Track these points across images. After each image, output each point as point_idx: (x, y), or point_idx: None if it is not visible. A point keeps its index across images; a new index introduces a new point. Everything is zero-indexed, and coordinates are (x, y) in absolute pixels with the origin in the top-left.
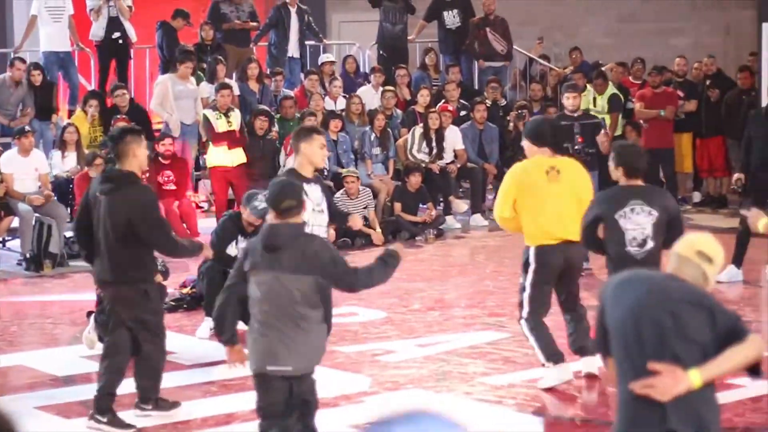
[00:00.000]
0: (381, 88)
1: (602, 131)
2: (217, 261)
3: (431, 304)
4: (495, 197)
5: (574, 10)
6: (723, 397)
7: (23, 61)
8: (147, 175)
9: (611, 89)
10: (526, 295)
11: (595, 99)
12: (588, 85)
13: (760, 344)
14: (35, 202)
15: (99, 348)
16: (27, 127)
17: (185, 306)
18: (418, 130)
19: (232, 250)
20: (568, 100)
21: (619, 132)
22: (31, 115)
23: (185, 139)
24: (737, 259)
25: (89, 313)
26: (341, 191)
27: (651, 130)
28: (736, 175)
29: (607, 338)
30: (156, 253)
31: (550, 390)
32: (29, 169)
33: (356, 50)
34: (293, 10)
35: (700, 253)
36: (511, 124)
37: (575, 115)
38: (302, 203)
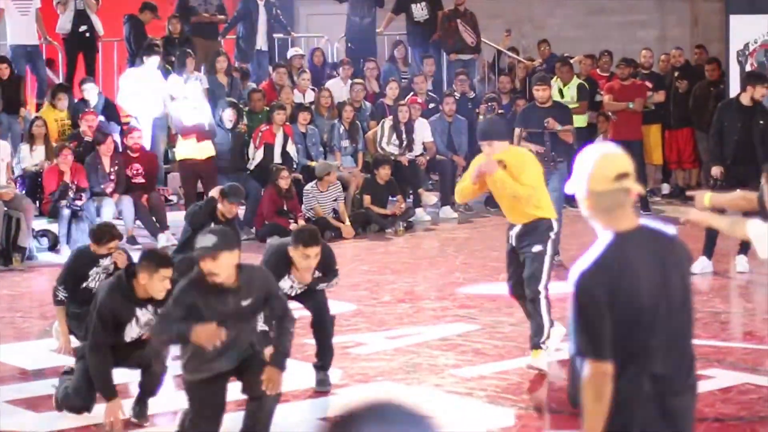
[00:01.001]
0: (350, 81)
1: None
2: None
3: (401, 297)
4: None
5: (542, 3)
6: None
7: None
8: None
9: (576, 80)
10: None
11: (561, 90)
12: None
13: None
14: (4, 197)
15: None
16: None
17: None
18: (388, 122)
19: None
20: (538, 92)
21: (585, 123)
22: None
23: (154, 132)
24: (708, 251)
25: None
26: (312, 183)
27: (619, 123)
28: (715, 169)
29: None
30: None
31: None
32: None
33: (324, 43)
34: (261, 3)
35: (619, 176)
36: (481, 117)
37: (545, 106)
38: None
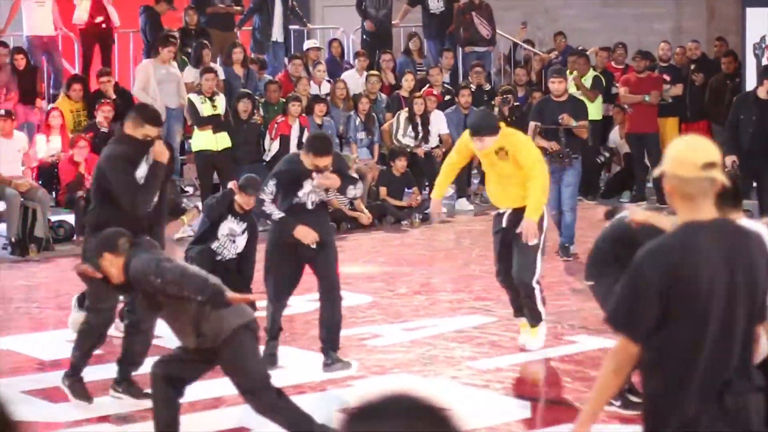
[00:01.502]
0: (365, 73)
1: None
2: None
3: (417, 289)
4: (480, 181)
5: None
6: None
7: (6, 45)
8: None
9: (592, 72)
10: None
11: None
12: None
13: None
14: (21, 188)
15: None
16: (2, 111)
17: None
18: (403, 114)
19: (224, 229)
20: (553, 85)
21: (600, 116)
22: (14, 99)
23: (170, 123)
24: None
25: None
26: None
27: (635, 115)
28: (729, 158)
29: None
30: None
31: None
32: (12, 151)
33: (340, 35)
34: None
35: (706, 165)
36: (496, 109)
37: (561, 100)
38: None
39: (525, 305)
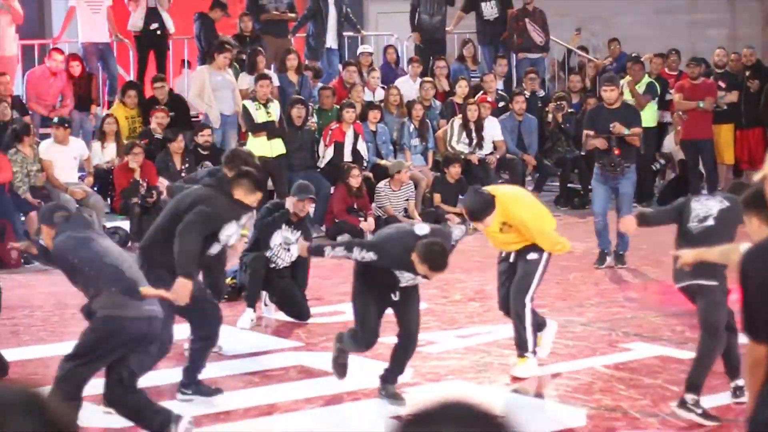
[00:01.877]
0: (419, 79)
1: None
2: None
3: (472, 295)
4: (534, 188)
5: (611, 1)
6: None
7: (61, 51)
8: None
9: (647, 78)
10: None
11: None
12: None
13: None
14: (77, 195)
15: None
16: (56, 119)
17: (226, 297)
18: (457, 121)
19: (277, 238)
20: (605, 93)
21: (654, 123)
22: (70, 106)
23: (225, 129)
24: None
25: None
26: (385, 182)
27: (690, 122)
28: None
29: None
30: None
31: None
32: (68, 158)
33: (394, 41)
34: (331, 1)
35: None
36: (550, 116)
37: (613, 107)
38: None
39: (514, 328)
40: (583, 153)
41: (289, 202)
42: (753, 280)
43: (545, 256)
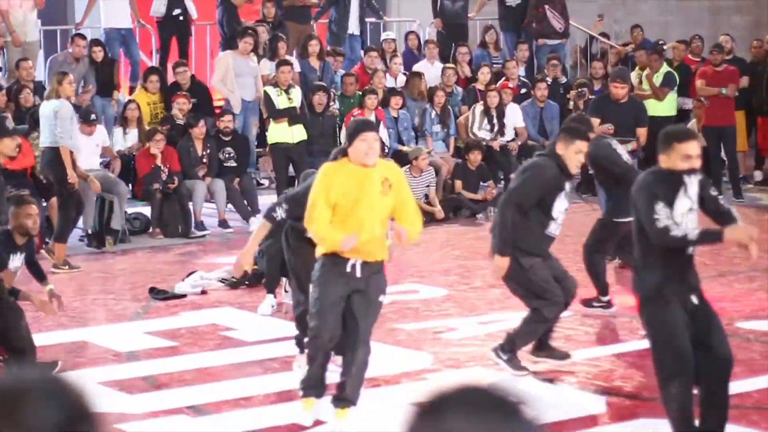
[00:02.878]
0: (441, 65)
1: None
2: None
3: (492, 282)
4: None
5: None
6: None
7: (84, 37)
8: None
9: (665, 67)
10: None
11: (640, 80)
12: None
13: None
14: (94, 188)
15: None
16: (82, 113)
17: (247, 283)
18: (479, 107)
19: None
20: (615, 89)
21: (674, 111)
22: (92, 92)
23: (246, 115)
24: None
25: (151, 289)
26: (405, 168)
27: (712, 108)
28: None
29: None
30: None
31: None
32: (91, 145)
33: (417, 27)
34: None
35: None
36: (572, 103)
37: (621, 101)
38: None
39: None
40: None
41: None
42: None
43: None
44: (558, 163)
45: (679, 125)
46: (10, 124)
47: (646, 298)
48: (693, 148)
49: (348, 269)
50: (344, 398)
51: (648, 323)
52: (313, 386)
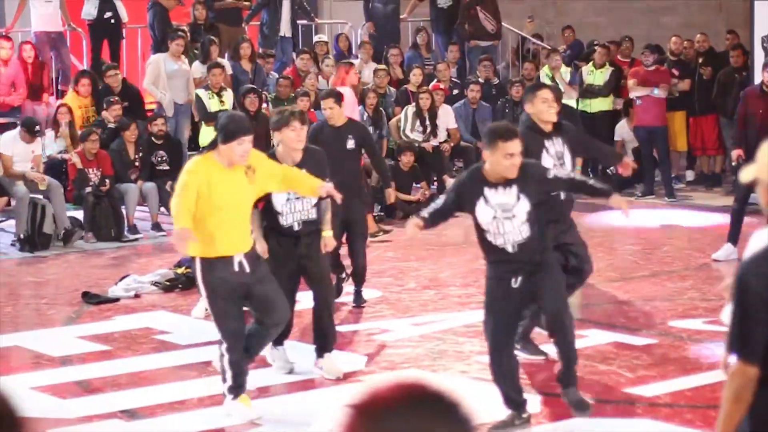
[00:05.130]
0: (374, 66)
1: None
2: None
3: (426, 283)
4: None
5: None
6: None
7: (9, 39)
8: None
9: (609, 67)
10: None
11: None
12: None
13: None
14: (39, 182)
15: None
16: (37, 128)
17: (180, 286)
18: (411, 109)
19: None
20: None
21: (611, 107)
22: (23, 95)
23: (178, 118)
24: (733, 237)
25: (84, 293)
26: None
27: (644, 109)
28: (735, 152)
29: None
30: None
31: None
32: (27, 152)
33: (348, 29)
34: None
35: None
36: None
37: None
38: None
39: None
40: None
41: None
42: (753, 295)
43: None
44: None
45: (503, 122)
46: None
47: None
48: (515, 146)
49: (236, 268)
50: None
51: None
52: (242, 384)
